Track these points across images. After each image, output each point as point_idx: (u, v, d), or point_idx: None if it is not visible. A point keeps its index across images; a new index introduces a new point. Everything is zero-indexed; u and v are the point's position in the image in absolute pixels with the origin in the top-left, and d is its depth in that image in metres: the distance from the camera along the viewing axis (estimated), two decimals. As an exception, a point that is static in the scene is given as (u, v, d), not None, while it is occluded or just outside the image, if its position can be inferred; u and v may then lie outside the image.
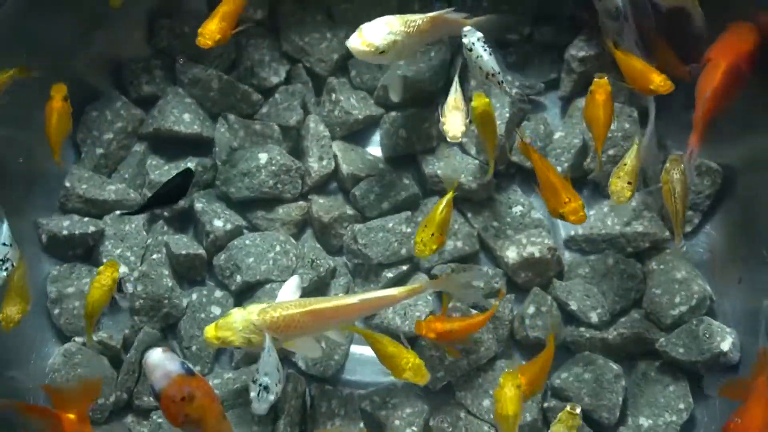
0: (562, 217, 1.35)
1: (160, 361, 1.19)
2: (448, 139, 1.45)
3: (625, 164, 1.41)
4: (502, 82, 1.40)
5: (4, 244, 1.33)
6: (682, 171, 1.38)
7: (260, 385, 1.29)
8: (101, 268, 1.39)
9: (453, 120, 1.45)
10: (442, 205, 1.38)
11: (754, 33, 1.41)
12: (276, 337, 1.30)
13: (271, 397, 1.29)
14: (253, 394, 1.29)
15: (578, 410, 1.33)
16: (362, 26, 1.38)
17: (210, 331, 1.30)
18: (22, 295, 1.36)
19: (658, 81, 1.38)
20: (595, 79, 1.41)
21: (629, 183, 1.40)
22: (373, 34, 1.37)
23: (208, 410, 1.18)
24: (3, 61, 1.43)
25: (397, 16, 1.40)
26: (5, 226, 1.35)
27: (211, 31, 1.41)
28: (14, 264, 1.33)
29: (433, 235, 1.36)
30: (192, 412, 1.17)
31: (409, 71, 1.61)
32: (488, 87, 1.54)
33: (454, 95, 1.48)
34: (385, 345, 1.35)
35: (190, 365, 1.21)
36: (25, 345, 1.49)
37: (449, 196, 1.40)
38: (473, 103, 1.42)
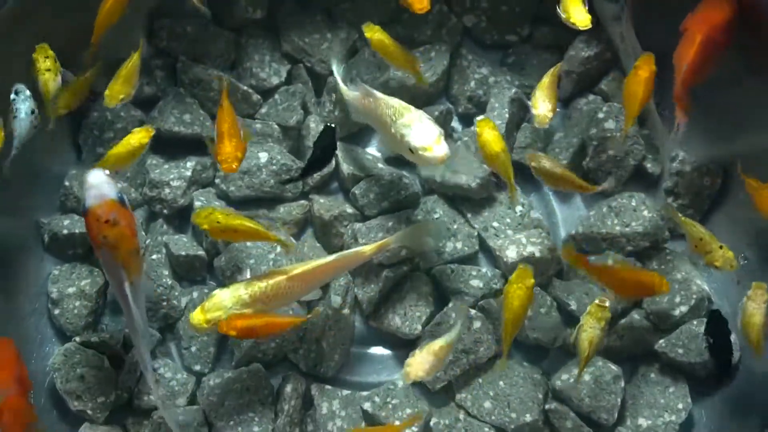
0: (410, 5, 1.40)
1: (100, 183, 1.25)
2: (536, 124, 1.48)
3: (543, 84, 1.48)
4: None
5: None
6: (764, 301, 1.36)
7: None
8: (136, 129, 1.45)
9: (542, 103, 1.47)
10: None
11: (730, 3, 1.40)
12: (264, 308, 1.31)
13: None
14: None
15: (607, 303, 1.35)
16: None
17: (197, 316, 1.29)
18: (129, 81, 1.46)
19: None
20: (642, 55, 1.41)
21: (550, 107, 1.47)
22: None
23: (126, 240, 1.24)
24: (3, 61, 1.43)
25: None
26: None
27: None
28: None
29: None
30: (111, 236, 1.23)
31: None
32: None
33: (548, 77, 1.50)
34: None
35: (126, 198, 1.26)
36: (25, 345, 1.49)
37: None
38: (478, 129, 1.41)
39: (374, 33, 1.49)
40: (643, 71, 1.39)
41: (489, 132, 1.39)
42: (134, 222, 1.27)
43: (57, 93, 1.42)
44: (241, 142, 1.37)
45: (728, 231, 1.55)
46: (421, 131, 1.30)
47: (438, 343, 1.34)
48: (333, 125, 1.48)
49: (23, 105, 1.38)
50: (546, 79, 1.51)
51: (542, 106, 1.49)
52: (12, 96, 1.39)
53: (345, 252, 1.43)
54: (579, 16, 1.41)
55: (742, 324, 1.36)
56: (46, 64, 1.42)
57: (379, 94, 1.39)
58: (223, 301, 1.30)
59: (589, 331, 1.35)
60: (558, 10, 1.44)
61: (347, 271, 1.50)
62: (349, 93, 1.47)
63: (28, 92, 1.39)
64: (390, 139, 1.36)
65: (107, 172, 1.27)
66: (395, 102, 1.36)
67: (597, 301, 1.36)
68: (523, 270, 1.35)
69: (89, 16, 1.43)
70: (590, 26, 1.41)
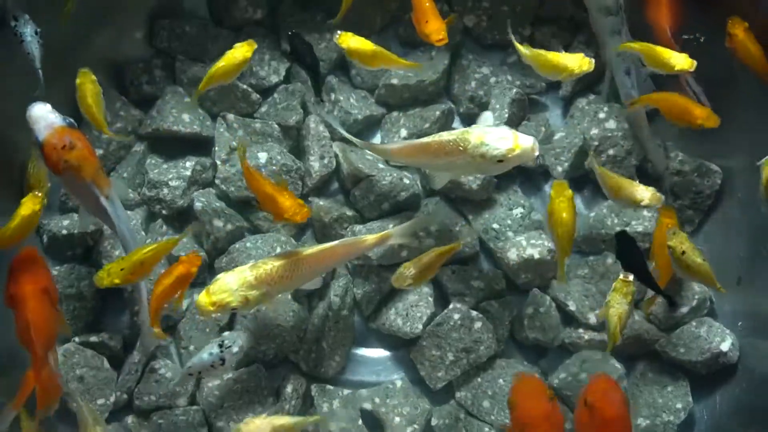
0: (427, 37, 1.40)
1: (44, 113, 1.27)
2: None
3: None
4: None
5: None
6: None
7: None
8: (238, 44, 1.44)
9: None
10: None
11: None
12: (269, 291, 1.31)
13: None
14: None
15: (631, 278, 1.36)
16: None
17: (204, 298, 1.28)
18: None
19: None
20: (732, 19, 1.42)
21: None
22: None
23: (87, 159, 1.28)
24: (4, 61, 1.43)
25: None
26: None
27: None
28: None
29: (123, 270, 1.28)
30: (72, 159, 1.26)
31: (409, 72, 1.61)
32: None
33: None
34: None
35: (73, 121, 1.28)
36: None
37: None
38: (552, 193, 1.38)
39: (347, 42, 1.44)
40: (738, 31, 1.42)
41: (564, 200, 1.36)
42: (88, 142, 1.29)
43: None
44: (289, 192, 1.37)
45: (728, 231, 1.56)
46: (496, 138, 1.28)
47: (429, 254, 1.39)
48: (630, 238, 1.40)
49: (26, 28, 1.39)
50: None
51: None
52: (12, 23, 1.39)
53: (347, 239, 1.42)
54: (679, 60, 1.38)
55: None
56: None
57: (418, 140, 1.40)
58: (229, 284, 1.29)
59: (617, 306, 1.35)
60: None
61: (350, 261, 1.50)
62: (385, 147, 1.47)
63: (27, 15, 1.40)
64: (462, 168, 1.35)
65: (47, 104, 1.29)
66: (446, 134, 1.35)
67: (621, 277, 1.36)
68: (558, 184, 1.35)
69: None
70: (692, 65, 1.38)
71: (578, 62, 1.38)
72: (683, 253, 1.35)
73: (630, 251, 1.37)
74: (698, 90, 1.50)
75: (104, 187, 1.32)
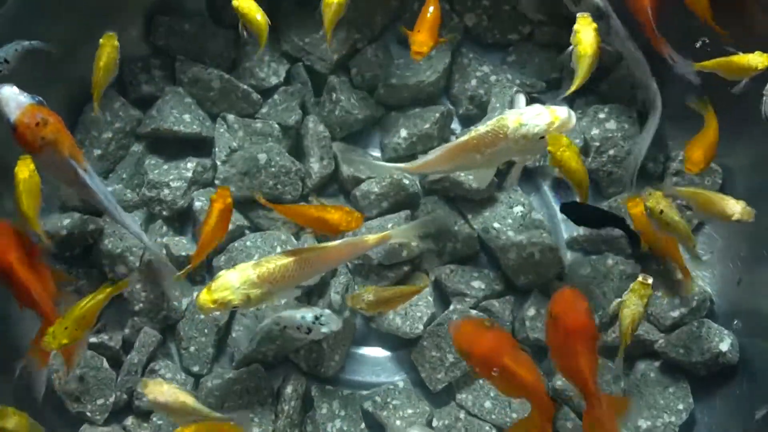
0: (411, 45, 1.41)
1: (12, 94, 1.25)
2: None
3: None
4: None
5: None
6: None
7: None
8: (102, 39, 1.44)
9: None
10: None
11: None
12: (271, 289, 1.30)
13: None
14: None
15: (650, 280, 1.37)
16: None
17: (204, 296, 1.27)
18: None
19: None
20: None
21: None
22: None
23: (63, 132, 1.27)
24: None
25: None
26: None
27: None
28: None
29: (66, 328, 1.28)
30: (48, 135, 1.25)
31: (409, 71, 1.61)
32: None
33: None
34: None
35: (41, 98, 1.27)
36: (24, 345, 1.48)
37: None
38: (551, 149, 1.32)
39: None
40: None
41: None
42: (59, 117, 1.28)
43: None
44: (330, 205, 1.40)
45: (727, 231, 1.56)
46: (533, 116, 1.29)
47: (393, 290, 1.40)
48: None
49: None
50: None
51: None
52: None
53: (349, 239, 1.42)
54: (757, 59, 1.38)
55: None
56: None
57: (452, 143, 1.40)
58: (231, 281, 1.27)
59: (632, 308, 1.36)
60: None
61: (351, 260, 1.51)
62: (423, 161, 1.45)
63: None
64: (504, 155, 1.36)
65: (10, 84, 1.27)
66: (481, 127, 1.35)
67: (640, 278, 1.37)
68: (553, 137, 1.30)
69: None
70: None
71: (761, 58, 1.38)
72: (661, 212, 1.34)
73: (578, 210, 1.38)
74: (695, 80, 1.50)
75: (81, 160, 1.32)
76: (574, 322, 1.17)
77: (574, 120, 1.29)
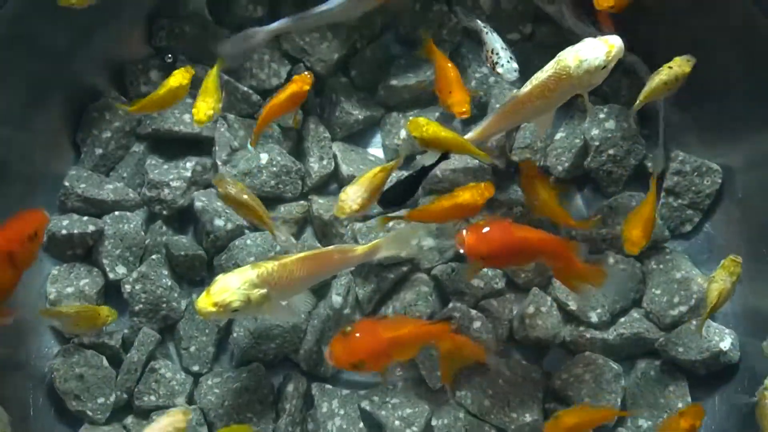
0: (449, 108, 1.42)
1: None
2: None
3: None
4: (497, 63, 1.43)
5: None
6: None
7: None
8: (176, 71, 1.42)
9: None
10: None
11: None
12: (270, 292, 1.29)
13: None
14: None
15: (740, 259, 1.39)
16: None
17: (204, 300, 1.25)
18: (213, 96, 1.42)
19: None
20: None
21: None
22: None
23: None
24: (4, 61, 1.43)
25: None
26: None
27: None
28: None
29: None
30: None
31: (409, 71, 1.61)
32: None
33: None
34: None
35: None
36: (24, 345, 1.49)
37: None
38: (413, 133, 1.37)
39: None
40: None
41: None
42: None
43: None
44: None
45: (727, 231, 1.56)
46: (590, 50, 1.30)
47: (373, 171, 1.36)
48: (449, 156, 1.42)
49: None
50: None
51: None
52: None
53: (343, 246, 1.42)
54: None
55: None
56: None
57: (513, 98, 1.42)
58: (230, 284, 1.26)
59: (720, 282, 1.37)
60: None
61: (350, 268, 1.50)
62: (485, 123, 1.46)
63: None
64: (567, 95, 1.37)
65: None
66: (540, 75, 1.36)
67: (731, 256, 1.39)
68: (410, 123, 1.37)
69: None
70: None
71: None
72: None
73: (389, 195, 1.41)
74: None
75: None
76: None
77: (622, 45, 1.31)
